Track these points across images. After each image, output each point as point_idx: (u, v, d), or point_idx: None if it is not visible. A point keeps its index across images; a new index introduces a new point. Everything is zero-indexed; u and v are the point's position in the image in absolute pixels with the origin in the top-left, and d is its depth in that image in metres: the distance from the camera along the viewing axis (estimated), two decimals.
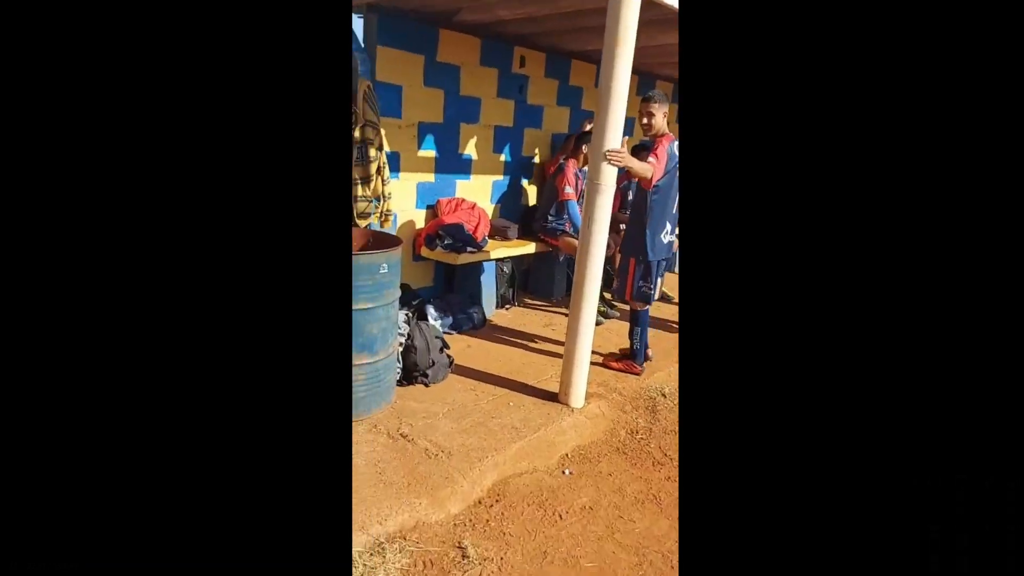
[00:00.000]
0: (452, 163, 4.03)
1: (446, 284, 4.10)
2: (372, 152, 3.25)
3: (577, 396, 2.88)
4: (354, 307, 2.41)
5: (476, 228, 3.87)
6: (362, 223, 3.34)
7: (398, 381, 2.85)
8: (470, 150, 4.13)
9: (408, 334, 2.87)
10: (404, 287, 3.72)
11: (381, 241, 2.78)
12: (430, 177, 3.92)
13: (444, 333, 3.57)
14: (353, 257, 2.38)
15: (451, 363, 3.05)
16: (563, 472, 2.47)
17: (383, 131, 3.41)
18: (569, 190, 4.10)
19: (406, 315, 2.95)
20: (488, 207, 4.37)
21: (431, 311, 3.64)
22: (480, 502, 2.19)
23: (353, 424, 2.49)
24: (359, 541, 1.85)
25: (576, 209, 4.13)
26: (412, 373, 2.88)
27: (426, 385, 2.90)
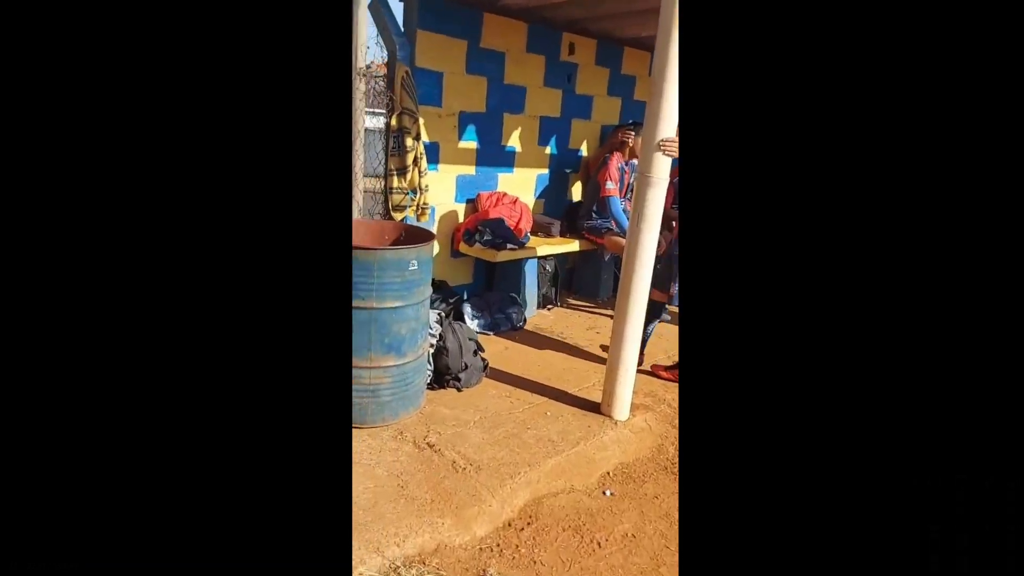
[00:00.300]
0: (494, 155, 3.83)
1: (486, 282, 3.91)
2: (409, 142, 3.09)
3: (622, 407, 2.64)
4: (380, 305, 2.24)
5: (518, 224, 3.66)
6: (397, 216, 3.19)
7: (429, 384, 2.68)
8: (514, 142, 3.93)
9: (440, 335, 2.70)
10: (440, 284, 3.56)
11: (414, 236, 2.61)
12: (471, 169, 3.74)
13: (481, 334, 3.39)
14: (380, 252, 2.21)
15: (486, 367, 2.85)
16: (603, 493, 2.24)
17: (421, 120, 3.24)
18: (611, 186, 3.84)
19: (438, 315, 2.78)
20: (531, 202, 4.16)
21: (468, 310, 3.46)
22: (510, 524, 1.99)
23: (378, 430, 2.33)
24: (373, 564, 1.68)
25: (618, 206, 3.87)
26: (444, 376, 2.70)
27: (458, 390, 2.71)
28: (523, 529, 1.98)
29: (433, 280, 3.62)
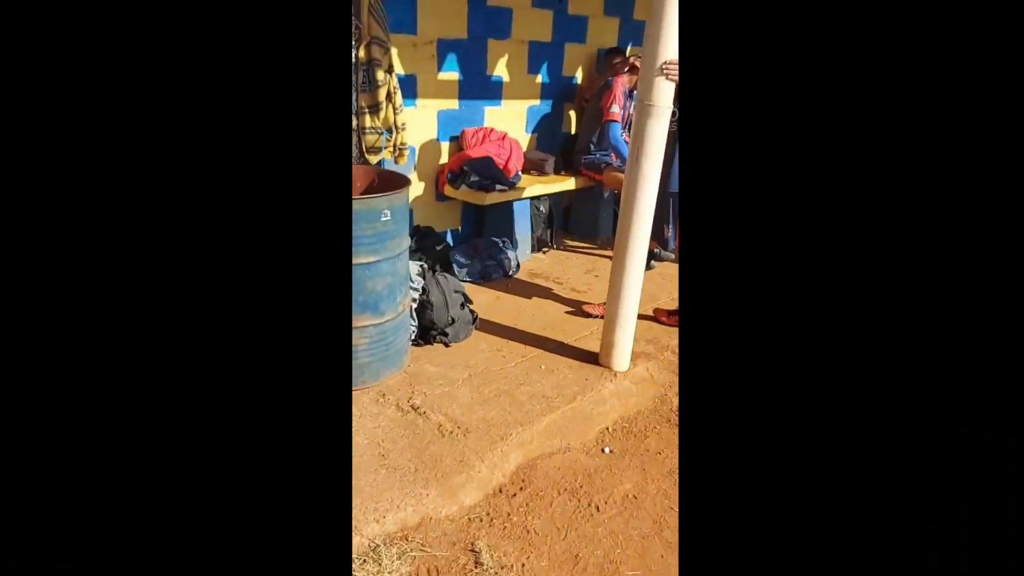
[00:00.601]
0: (479, 87, 3.51)
1: (475, 227, 3.68)
2: (380, 75, 2.78)
3: (621, 357, 2.47)
4: (353, 261, 2.03)
5: (507, 162, 3.39)
6: (373, 159, 2.92)
7: (414, 341, 2.51)
8: (500, 71, 3.60)
9: (423, 288, 2.50)
10: (425, 231, 3.34)
11: (388, 182, 2.36)
12: (453, 103, 3.43)
13: (471, 283, 3.20)
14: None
15: (475, 319, 2.67)
16: (602, 451, 2.10)
17: (394, 50, 2.92)
18: (615, 109, 3.54)
19: (420, 267, 2.57)
20: (522, 138, 3.86)
21: (457, 258, 3.25)
22: (501, 491, 1.86)
23: (358, 394, 2.17)
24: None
25: (618, 133, 3.58)
26: (429, 332, 2.53)
27: (446, 345, 2.54)
28: (515, 495, 1.84)
29: (417, 227, 3.40)
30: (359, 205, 2.00)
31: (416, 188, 3.37)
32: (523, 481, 1.90)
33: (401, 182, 2.25)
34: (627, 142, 3.49)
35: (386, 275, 2.14)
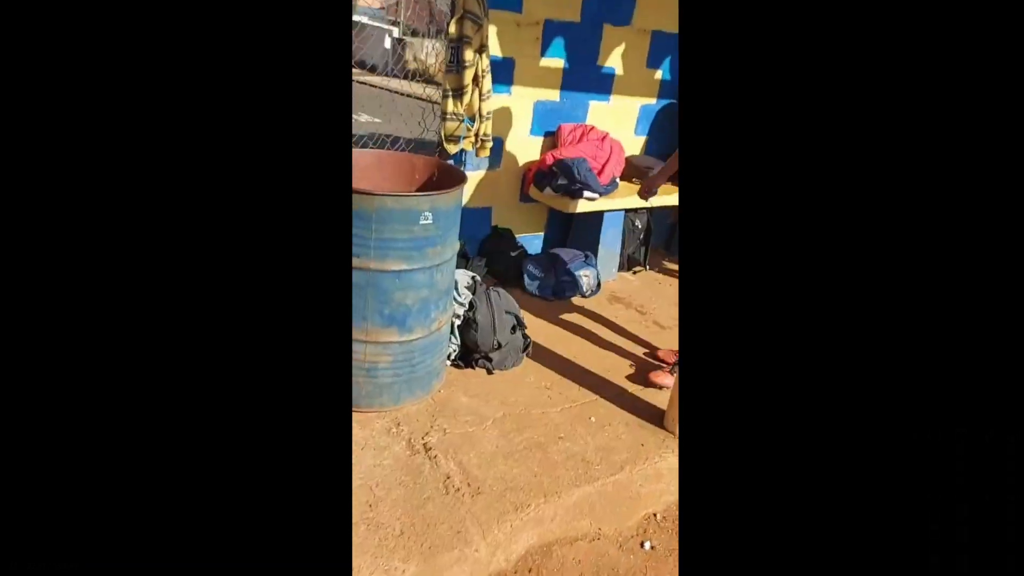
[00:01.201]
0: (586, 78, 3.10)
1: (560, 235, 3.30)
2: (468, 55, 2.48)
3: None
4: (380, 267, 1.76)
5: (604, 166, 2.96)
6: (451, 148, 2.64)
7: (454, 362, 2.21)
8: (613, 61, 3.16)
9: (470, 303, 2.18)
10: (503, 233, 3.02)
11: (447, 177, 2.06)
12: (554, 95, 3.05)
13: (541, 298, 2.84)
14: (379, 199, 1.69)
15: (527, 346, 2.32)
16: (642, 545, 1.68)
17: (491, 27, 2.60)
18: None
19: (472, 278, 2.25)
20: (629, 140, 3.40)
21: (529, 268, 2.90)
22: None
23: (371, 418, 1.91)
24: None
25: None
26: (472, 355, 2.21)
27: (489, 371, 2.21)
28: None
29: (495, 228, 3.09)
30: (392, 203, 1.71)
31: (498, 185, 3.05)
32: (530, 572, 1.54)
33: (455, 180, 1.94)
34: None
35: (420, 287, 1.84)
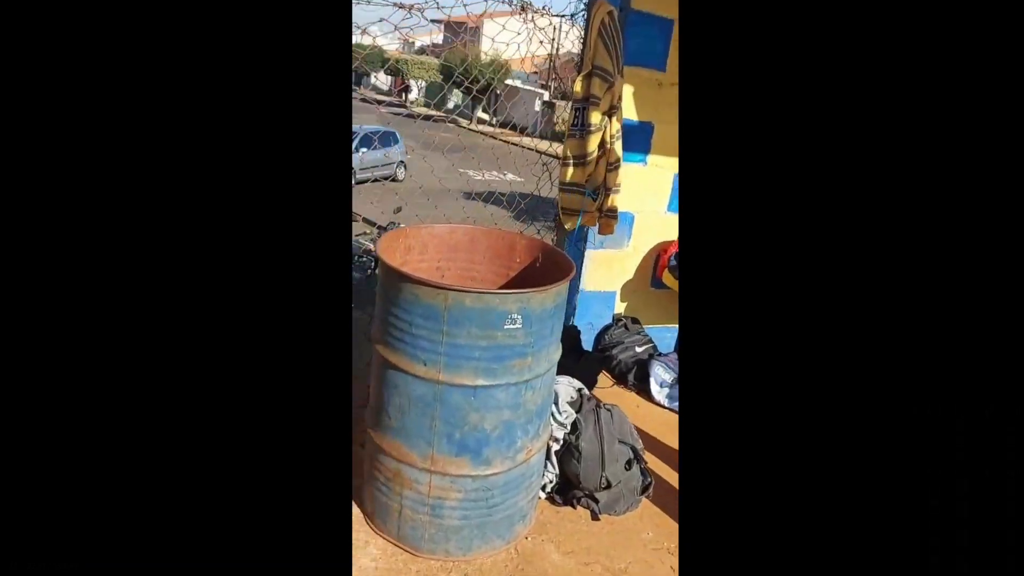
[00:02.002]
0: None
1: None
2: (595, 117, 2.09)
3: None
4: (451, 380, 1.36)
5: None
6: (567, 223, 2.24)
7: (549, 495, 1.72)
8: None
9: (574, 423, 1.69)
10: (630, 322, 2.53)
11: (552, 266, 1.65)
12: None
13: (671, 409, 2.27)
14: (451, 294, 1.31)
15: (647, 487, 1.76)
16: None
17: (629, 88, 2.22)
18: None
19: (577, 392, 1.77)
20: None
21: (657, 371, 2.36)
22: None
23: (432, 566, 1.46)
24: None
25: None
26: (573, 490, 1.71)
27: (594, 516, 1.69)
28: None
29: (618, 318, 2.60)
30: (472, 301, 1.31)
31: (625, 266, 2.59)
32: None
33: (559, 272, 1.51)
34: None
35: (502, 408, 1.41)
